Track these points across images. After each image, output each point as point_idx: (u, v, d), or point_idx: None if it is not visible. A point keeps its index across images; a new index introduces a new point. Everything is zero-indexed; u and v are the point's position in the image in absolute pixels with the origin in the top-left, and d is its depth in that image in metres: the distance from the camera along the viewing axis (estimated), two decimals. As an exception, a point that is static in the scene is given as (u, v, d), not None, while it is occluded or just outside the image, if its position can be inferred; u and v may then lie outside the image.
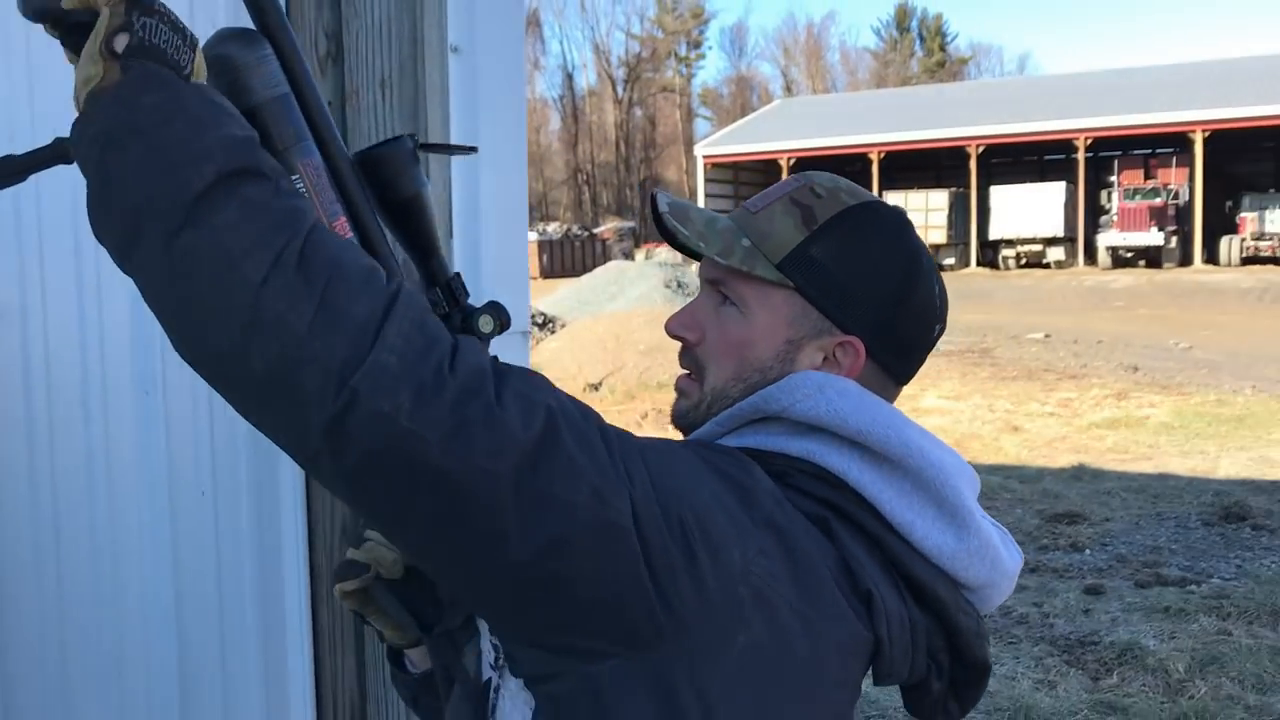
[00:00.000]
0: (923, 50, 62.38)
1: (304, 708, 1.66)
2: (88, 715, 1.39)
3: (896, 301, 1.02)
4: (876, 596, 0.91)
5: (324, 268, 0.72)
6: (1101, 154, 34.45)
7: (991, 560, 0.98)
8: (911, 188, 33.52)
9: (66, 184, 1.35)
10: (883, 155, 34.67)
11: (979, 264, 33.57)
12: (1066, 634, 4.78)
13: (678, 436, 1.08)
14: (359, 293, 0.73)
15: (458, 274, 1.00)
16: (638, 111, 59.19)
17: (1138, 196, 31.45)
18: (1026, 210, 31.81)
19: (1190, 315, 18.72)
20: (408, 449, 0.72)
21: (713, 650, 0.84)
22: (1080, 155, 33.15)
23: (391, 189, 0.94)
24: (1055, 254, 32.13)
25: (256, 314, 0.71)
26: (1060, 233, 32.10)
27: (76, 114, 0.75)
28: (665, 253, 36.04)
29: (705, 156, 37.86)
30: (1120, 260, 31.24)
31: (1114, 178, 33.38)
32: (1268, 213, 30.54)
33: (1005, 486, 7.26)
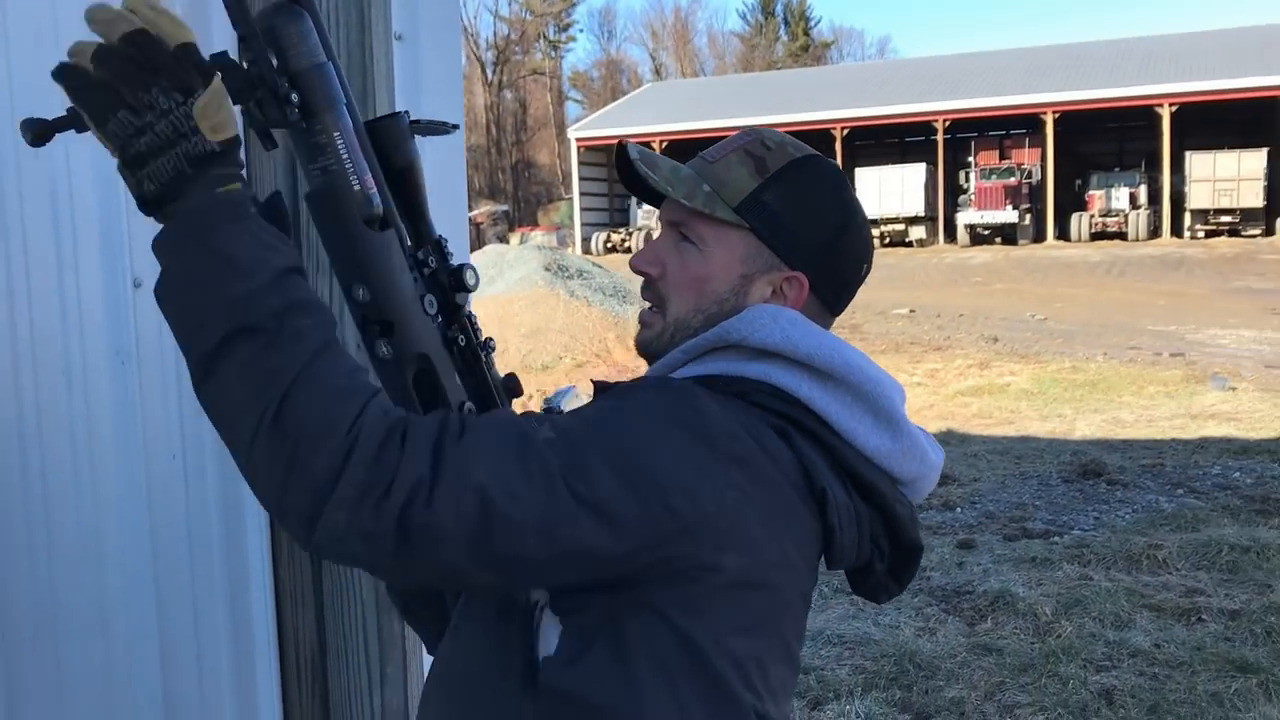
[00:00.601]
0: (787, 34, 63.42)
1: (268, 662, 1.76)
2: (75, 673, 1.47)
3: (835, 242, 1.17)
4: (829, 493, 1.06)
5: (293, 429, 0.85)
6: (959, 135, 35.63)
7: (920, 456, 1.14)
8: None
9: (44, 164, 1.43)
10: (751, 137, 35.17)
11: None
12: (943, 585, 5.09)
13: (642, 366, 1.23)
14: (319, 447, 0.85)
15: (441, 236, 1.12)
16: (508, 94, 58.81)
17: (993, 176, 32.66)
18: (889, 190, 32.69)
19: (1045, 289, 19.62)
20: (374, 564, 0.91)
21: (703, 574, 1.00)
22: (939, 137, 34.25)
23: (391, 158, 1.07)
24: (917, 232, 33.14)
25: (251, 466, 0.88)
26: (921, 212, 33.11)
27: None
28: (541, 236, 36.05)
29: (578, 139, 37.95)
30: (978, 238, 32.41)
31: (971, 158, 34.59)
32: (1113, 190, 32.07)
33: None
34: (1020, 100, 33.05)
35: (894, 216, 32.91)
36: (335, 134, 0.99)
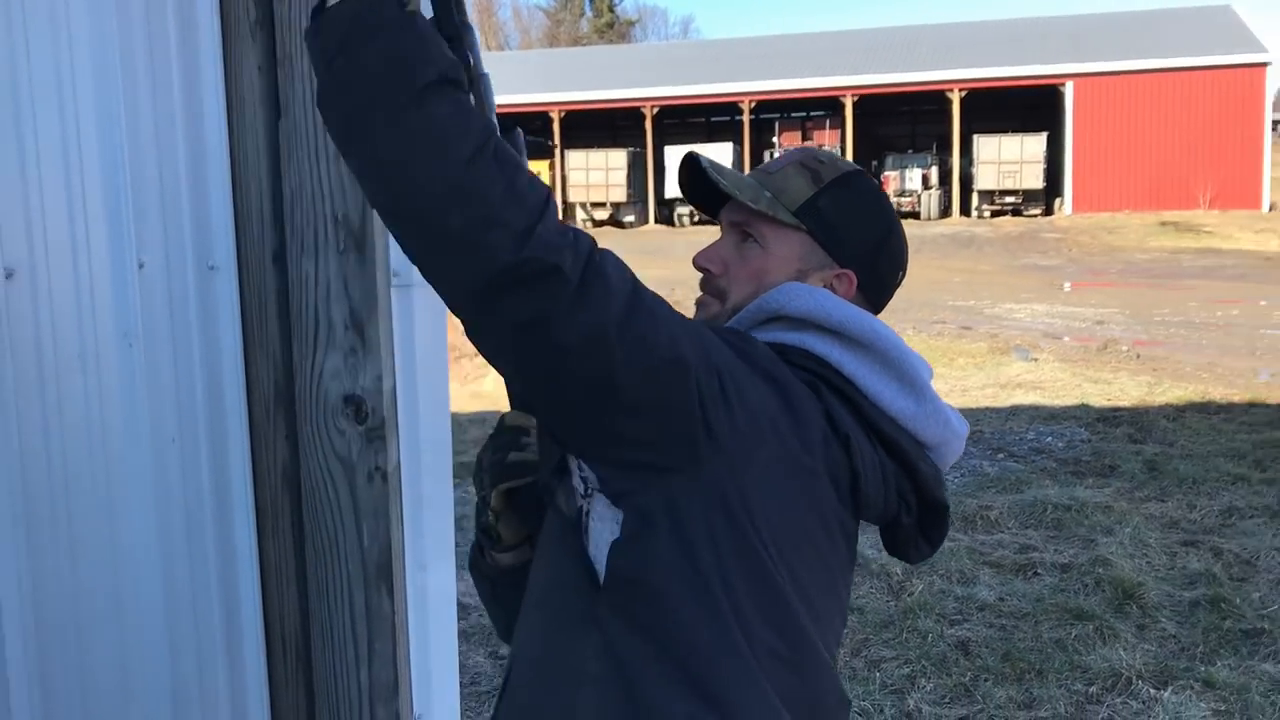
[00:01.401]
0: (592, 11, 63.57)
1: (255, 637, 1.77)
2: (96, 660, 1.45)
3: (880, 246, 1.32)
4: (853, 438, 1.18)
5: (510, 162, 0.97)
6: (764, 116, 36.61)
7: (943, 422, 1.25)
8: (591, 146, 34.36)
9: (58, 145, 1.40)
10: (563, 114, 35.28)
11: (656, 221, 34.94)
12: (800, 550, 5.34)
13: None
14: (532, 184, 0.98)
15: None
16: (306, 64, 56.76)
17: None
18: (699, 169, 33.19)
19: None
20: (557, 293, 0.96)
21: (744, 462, 1.11)
22: (745, 117, 35.12)
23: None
24: (726, 210, 33.85)
25: (461, 183, 0.93)
26: (730, 190, 33.81)
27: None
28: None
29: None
30: (784, 216, 33.35)
31: (776, 139, 35.61)
32: (907, 171, 33.61)
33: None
34: (821, 83, 34.21)
35: (703, 195, 33.40)
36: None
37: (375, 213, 1.70)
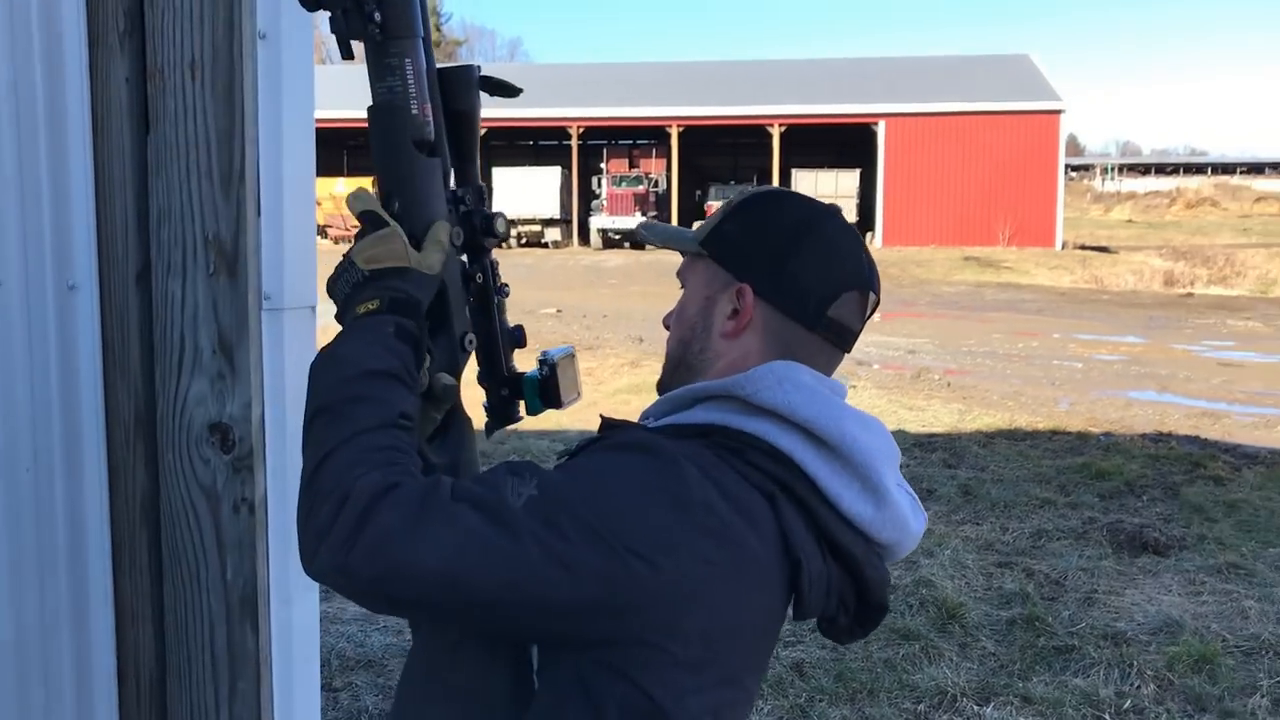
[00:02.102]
0: (419, 28, 62.73)
1: (106, 679, 1.67)
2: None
3: (786, 250, 1.23)
4: (804, 564, 1.13)
5: (316, 487, 1.05)
6: (592, 142, 36.92)
7: (900, 525, 1.19)
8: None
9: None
10: (387, 131, 34.68)
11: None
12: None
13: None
14: (325, 502, 1.03)
15: (484, 185, 1.29)
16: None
17: (624, 183, 34.15)
18: (525, 192, 33.31)
19: (675, 292, 20.79)
20: (359, 599, 1.05)
21: (665, 639, 1.06)
22: (574, 142, 35.33)
23: (452, 100, 1.25)
24: (552, 234, 34.00)
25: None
26: (557, 214, 34.02)
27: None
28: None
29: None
30: (610, 242, 33.75)
31: (604, 164, 35.96)
32: (730, 202, 34.38)
33: (554, 449, 7.85)
34: (649, 112, 34.75)
35: (530, 218, 33.57)
36: (407, 60, 1.17)
37: (249, 231, 1.66)
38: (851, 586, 1.19)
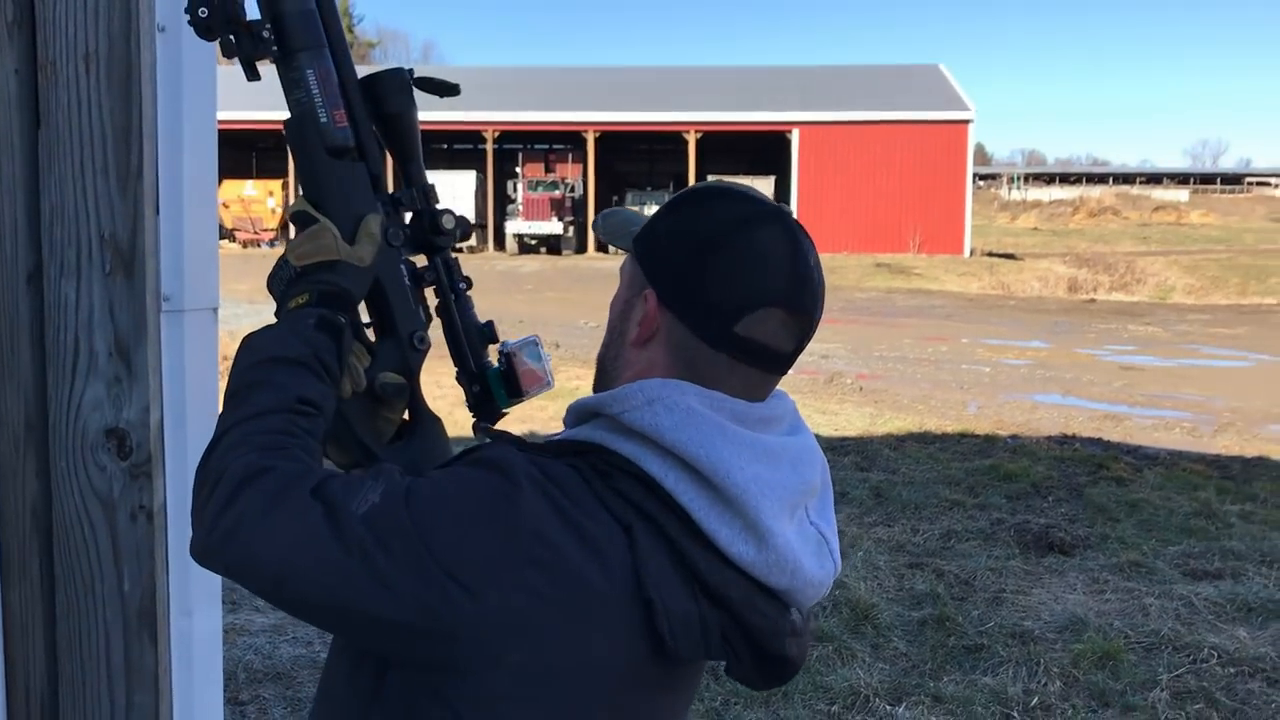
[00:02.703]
0: (331, 30, 61.92)
1: (-5, 699, 1.61)
2: None
3: (690, 262, 1.12)
4: (655, 601, 1.02)
5: (202, 469, 1.06)
6: (507, 146, 36.76)
7: (790, 570, 1.07)
8: (329, 168, 33.44)
9: None
10: (299, 134, 34.21)
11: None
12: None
13: None
14: (202, 486, 1.05)
15: (432, 185, 1.30)
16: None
17: (540, 188, 34.06)
18: (440, 196, 32.96)
19: (590, 298, 20.68)
20: (226, 576, 1.06)
21: (486, 670, 1.01)
22: (489, 146, 35.15)
23: (382, 104, 1.25)
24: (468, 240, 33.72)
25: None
26: (472, 219, 33.65)
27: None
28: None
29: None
30: (526, 247, 33.64)
31: (519, 169, 35.81)
32: (646, 207, 34.43)
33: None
34: (565, 117, 34.70)
35: (445, 222, 33.14)
36: (309, 71, 1.19)
37: (147, 230, 1.60)
38: (738, 632, 1.07)
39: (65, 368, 1.60)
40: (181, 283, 1.66)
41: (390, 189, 1.27)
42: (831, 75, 38.50)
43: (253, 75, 1.22)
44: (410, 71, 1.27)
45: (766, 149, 36.68)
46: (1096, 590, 5.24)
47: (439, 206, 1.27)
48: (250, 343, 1.14)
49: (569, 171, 35.72)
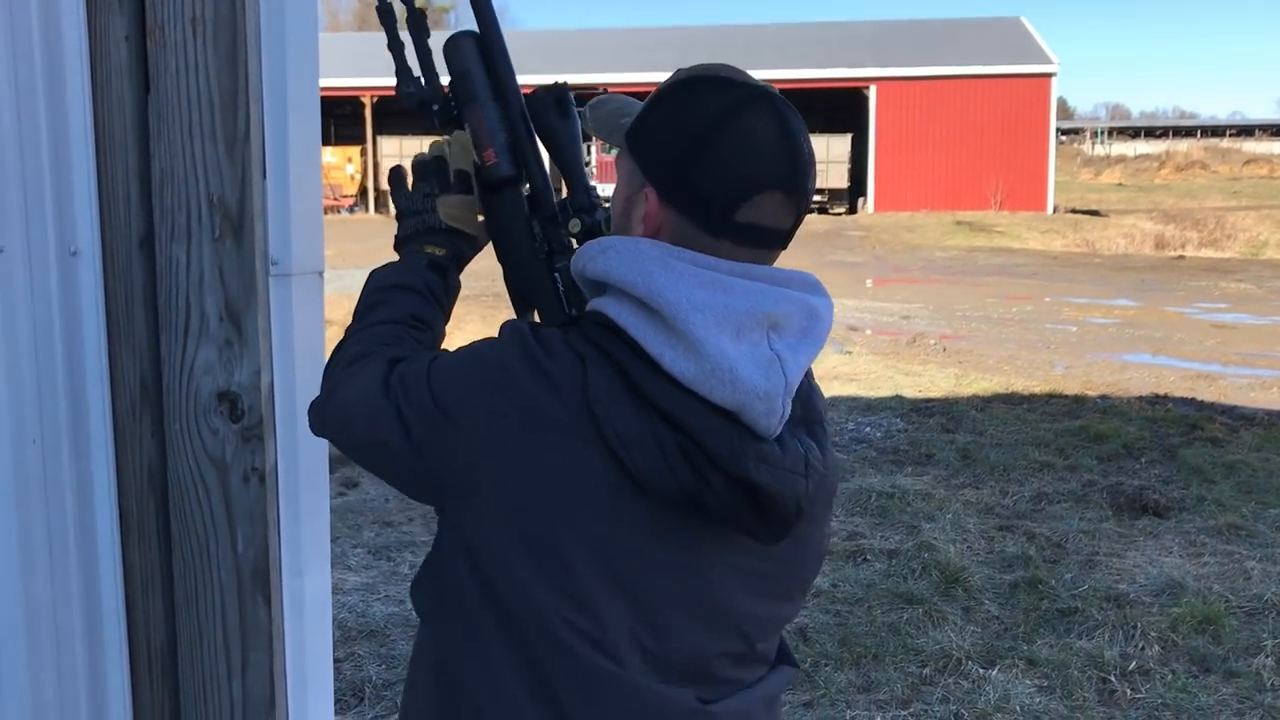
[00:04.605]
0: (405, -5, 62.17)
1: (118, 652, 1.64)
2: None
3: (686, 156, 1.15)
4: (602, 419, 1.10)
5: (332, 357, 1.34)
6: (579, 109, 36.60)
7: (730, 381, 1.09)
8: (405, 134, 33.70)
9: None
10: (375, 100, 34.48)
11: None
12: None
13: None
14: (328, 373, 1.33)
15: (594, 186, 1.41)
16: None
17: (612, 150, 33.91)
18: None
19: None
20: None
21: (472, 493, 1.14)
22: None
23: (538, 121, 1.39)
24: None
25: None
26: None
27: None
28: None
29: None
30: (600, 209, 33.55)
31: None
32: (721, 168, 34.22)
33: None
34: (635, 78, 34.45)
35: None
36: (466, 123, 1.41)
37: (255, 194, 1.61)
38: (699, 454, 1.10)
39: (178, 331, 1.62)
40: (289, 246, 1.67)
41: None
42: (909, 29, 37.74)
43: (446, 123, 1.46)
44: (562, 86, 1.40)
45: (843, 106, 36.12)
46: (1194, 553, 5.12)
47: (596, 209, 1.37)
48: (376, 273, 1.39)
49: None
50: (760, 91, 1.17)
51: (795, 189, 1.17)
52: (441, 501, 1.20)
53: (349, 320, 1.39)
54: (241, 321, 1.61)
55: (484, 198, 1.41)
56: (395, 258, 1.45)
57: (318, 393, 1.31)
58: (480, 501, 1.14)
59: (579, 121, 1.39)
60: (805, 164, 1.17)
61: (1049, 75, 33.75)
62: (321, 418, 1.29)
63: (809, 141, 1.19)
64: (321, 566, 1.80)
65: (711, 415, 1.10)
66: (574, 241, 1.36)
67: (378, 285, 1.37)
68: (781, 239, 1.19)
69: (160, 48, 1.58)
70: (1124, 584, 4.72)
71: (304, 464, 1.75)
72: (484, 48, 1.39)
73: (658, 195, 1.17)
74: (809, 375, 1.23)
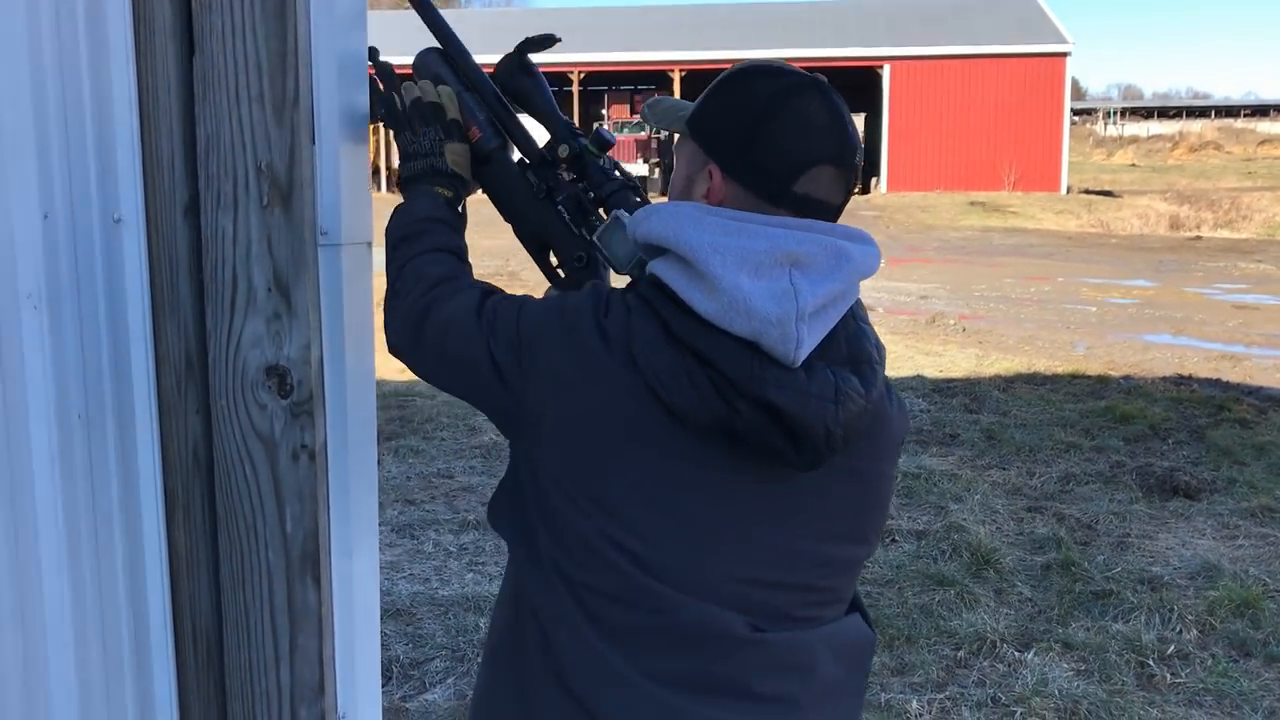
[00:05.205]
0: (415, -26, 61.98)
1: (163, 634, 1.59)
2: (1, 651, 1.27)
3: (748, 133, 1.29)
4: (640, 360, 1.24)
5: (400, 281, 1.50)
6: (592, 88, 36.50)
7: (745, 311, 1.20)
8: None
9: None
10: (386, 79, 34.37)
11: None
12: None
13: None
14: (405, 292, 1.48)
15: (568, 120, 1.59)
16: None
17: (626, 129, 33.77)
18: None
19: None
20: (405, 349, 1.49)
21: (536, 424, 1.30)
22: (575, 88, 34.92)
23: (508, 85, 1.62)
24: (555, 181, 33.66)
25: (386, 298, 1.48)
26: (558, 162, 33.63)
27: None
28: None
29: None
30: (612, 189, 33.38)
31: (605, 110, 35.57)
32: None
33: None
34: (650, 56, 34.31)
35: (532, 165, 33.15)
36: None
37: (304, 161, 1.55)
38: (724, 381, 1.21)
39: (224, 303, 1.56)
40: (338, 216, 1.61)
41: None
42: (923, 8, 37.44)
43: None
44: (518, 49, 1.61)
45: (857, 86, 35.86)
46: (1228, 536, 5.05)
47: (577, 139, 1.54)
48: (408, 206, 1.53)
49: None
50: (810, 79, 1.32)
51: (845, 164, 1.31)
52: (513, 429, 1.34)
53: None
54: (291, 293, 1.55)
55: (477, 171, 1.58)
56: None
57: (396, 310, 1.46)
58: (543, 432, 1.29)
59: (542, 77, 1.60)
60: (854, 143, 1.32)
61: (1063, 55, 33.47)
62: (416, 331, 1.40)
63: (855, 125, 1.34)
64: (370, 546, 1.75)
65: (732, 345, 1.21)
66: (565, 167, 1.54)
67: (419, 215, 1.51)
68: (833, 212, 1.33)
69: (205, 8, 1.51)
70: (1158, 566, 4.66)
71: (353, 440, 1.69)
72: (447, 56, 1.63)
73: (721, 171, 1.31)
74: (859, 318, 1.35)
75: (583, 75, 34.84)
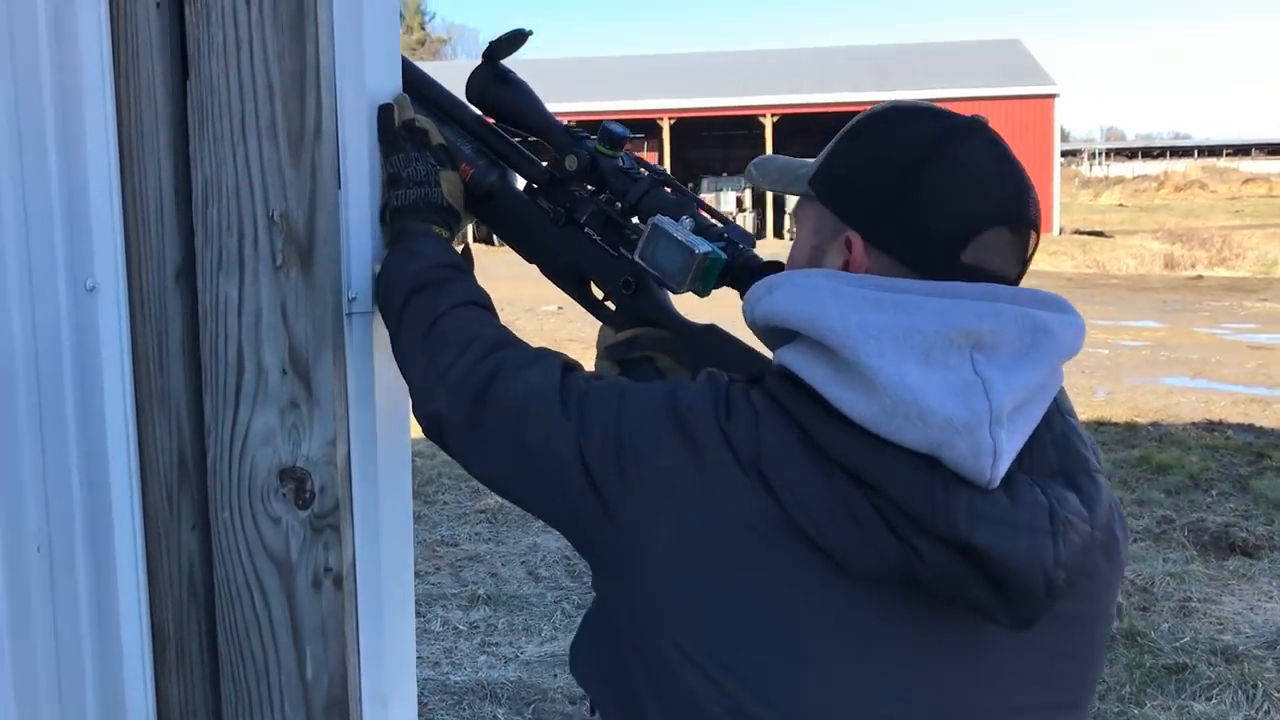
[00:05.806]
0: (404, 28, 62.53)
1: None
2: None
3: (896, 194, 1.01)
4: (768, 474, 0.95)
5: (433, 341, 1.17)
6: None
7: (917, 413, 0.90)
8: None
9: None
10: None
11: (474, 239, 34.28)
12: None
13: None
14: (445, 354, 1.15)
15: (565, 126, 1.40)
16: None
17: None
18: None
19: (676, 287, 20.41)
20: (454, 434, 1.14)
21: (645, 549, 0.98)
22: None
23: (486, 101, 1.38)
24: (545, 230, 33.59)
25: (407, 363, 1.20)
26: (550, 212, 33.58)
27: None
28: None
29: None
30: (604, 237, 33.29)
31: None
32: (721, 194, 34.05)
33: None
34: (640, 105, 34.29)
35: (522, 215, 33.11)
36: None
37: (327, 209, 1.23)
38: (896, 513, 0.92)
39: (227, 390, 1.23)
40: (369, 277, 1.28)
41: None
42: (910, 53, 37.60)
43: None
44: (481, 66, 1.36)
45: (846, 131, 35.93)
46: (1296, 598, 4.71)
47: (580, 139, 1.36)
48: (419, 250, 1.24)
49: (644, 158, 35.30)
50: (968, 121, 1.05)
51: (1023, 222, 1.02)
52: (604, 554, 1.04)
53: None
54: (311, 376, 1.22)
55: (480, 210, 1.38)
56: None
57: (432, 376, 1.15)
58: (648, 565, 0.98)
59: (524, 83, 1.38)
60: (1032, 196, 1.04)
61: (1051, 96, 33.57)
62: (475, 408, 1.10)
63: (1025, 173, 1.05)
64: (408, 691, 1.41)
65: (903, 462, 0.92)
66: (579, 181, 1.35)
67: (434, 260, 1.23)
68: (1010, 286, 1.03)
69: (203, 19, 1.20)
70: (1229, 634, 4.31)
71: (388, 560, 1.35)
72: (419, 94, 1.38)
73: (863, 240, 1.02)
74: (1062, 414, 1.03)
75: (573, 125, 34.79)
